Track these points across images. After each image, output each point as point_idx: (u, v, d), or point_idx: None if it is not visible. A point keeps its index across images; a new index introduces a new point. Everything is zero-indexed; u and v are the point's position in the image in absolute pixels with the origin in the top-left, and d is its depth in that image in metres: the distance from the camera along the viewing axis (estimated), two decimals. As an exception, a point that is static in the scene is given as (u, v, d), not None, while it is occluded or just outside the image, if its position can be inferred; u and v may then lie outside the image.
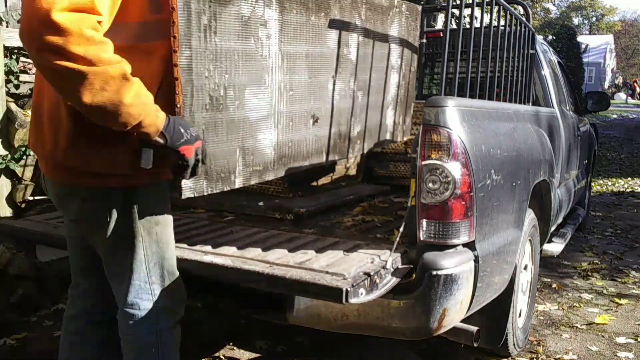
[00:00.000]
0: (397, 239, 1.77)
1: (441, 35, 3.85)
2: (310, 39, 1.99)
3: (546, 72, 3.55)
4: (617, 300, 3.45)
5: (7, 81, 3.49)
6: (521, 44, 2.59)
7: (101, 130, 1.32)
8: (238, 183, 1.79)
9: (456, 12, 4.18)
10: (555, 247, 3.41)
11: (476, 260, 1.82)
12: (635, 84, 37.77)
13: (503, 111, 2.33)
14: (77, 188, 1.48)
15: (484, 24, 2.15)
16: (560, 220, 3.69)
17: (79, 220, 1.57)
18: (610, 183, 8.70)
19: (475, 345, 2.05)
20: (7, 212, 3.26)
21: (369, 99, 2.44)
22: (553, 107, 3.43)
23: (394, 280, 1.68)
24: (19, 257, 3.05)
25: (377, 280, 1.62)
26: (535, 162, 2.45)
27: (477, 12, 2.09)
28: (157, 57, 1.41)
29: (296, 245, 1.89)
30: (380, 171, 3.12)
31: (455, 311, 1.77)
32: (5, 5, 4.00)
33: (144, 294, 1.57)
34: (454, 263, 1.73)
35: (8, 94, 3.43)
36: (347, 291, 1.47)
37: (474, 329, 2.01)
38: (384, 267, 1.67)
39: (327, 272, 1.60)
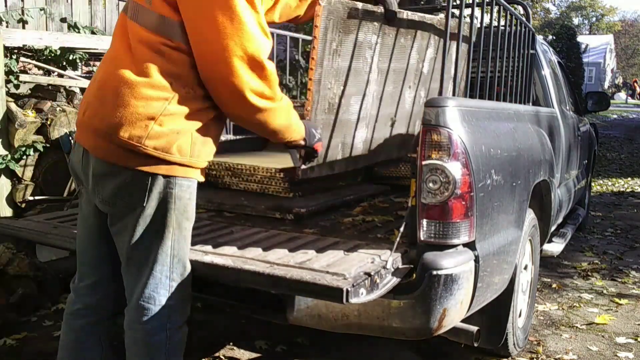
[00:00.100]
0: (398, 239, 1.77)
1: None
2: (397, 57, 2.42)
3: (546, 72, 3.55)
4: (617, 300, 3.46)
5: (7, 81, 3.50)
6: (521, 44, 2.59)
7: (169, 113, 1.47)
8: (337, 169, 2.32)
9: (456, 12, 4.18)
10: (555, 247, 3.41)
11: (476, 260, 1.82)
12: (635, 84, 37.80)
13: (503, 111, 2.34)
14: (122, 168, 1.49)
15: (484, 24, 2.15)
16: (560, 220, 3.69)
17: (114, 202, 1.55)
18: (610, 183, 8.70)
19: (475, 345, 2.05)
20: (7, 212, 3.26)
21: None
22: (553, 107, 3.44)
23: (395, 280, 1.68)
24: (19, 257, 3.05)
25: (378, 280, 1.62)
26: (535, 162, 2.45)
27: (477, 12, 2.09)
28: None
29: (296, 245, 1.89)
30: (380, 171, 3.11)
31: (455, 311, 1.77)
32: (5, 5, 3.99)
33: (162, 288, 1.57)
34: (454, 263, 1.73)
35: (8, 94, 3.43)
36: (347, 291, 1.47)
37: (474, 329, 2.01)
38: (384, 267, 1.67)
39: (327, 272, 1.60)
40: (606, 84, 41.91)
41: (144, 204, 1.52)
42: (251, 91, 1.49)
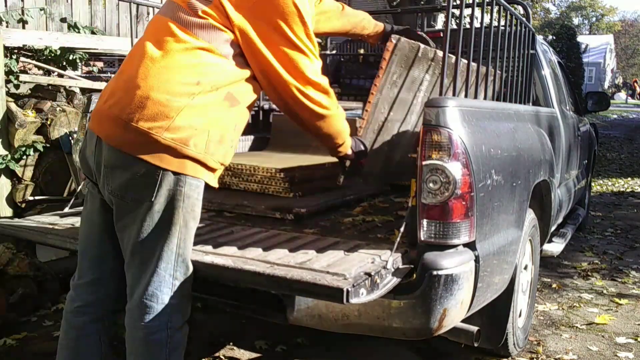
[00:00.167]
0: (398, 239, 1.77)
1: (441, 35, 3.86)
2: (436, 90, 2.60)
3: (546, 72, 3.55)
4: (617, 300, 3.46)
5: (7, 81, 3.50)
6: (521, 44, 2.59)
7: (192, 108, 1.51)
8: (375, 182, 2.65)
9: (456, 12, 4.18)
10: (555, 247, 3.41)
11: (477, 260, 1.82)
12: (635, 84, 37.80)
13: (503, 111, 2.33)
14: (135, 159, 1.50)
15: (484, 24, 2.15)
16: (560, 220, 3.69)
17: (122, 195, 1.55)
18: (610, 183, 8.70)
19: (475, 345, 2.05)
20: (7, 212, 3.27)
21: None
22: (553, 107, 3.44)
23: (395, 280, 1.68)
24: (19, 257, 3.06)
25: (378, 280, 1.62)
26: (535, 162, 2.45)
27: (477, 12, 2.09)
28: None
29: (297, 245, 1.89)
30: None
31: (455, 311, 1.77)
32: (5, 5, 3.99)
33: (165, 287, 1.57)
34: (454, 263, 1.73)
35: (8, 94, 3.43)
36: (347, 291, 1.47)
37: (474, 329, 2.01)
38: (384, 267, 1.67)
39: (327, 272, 1.60)
40: (606, 84, 41.91)
41: (153, 199, 1.52)
42: (311, 101, 1.70)
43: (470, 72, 2.09)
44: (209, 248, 1.86)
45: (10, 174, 3.29)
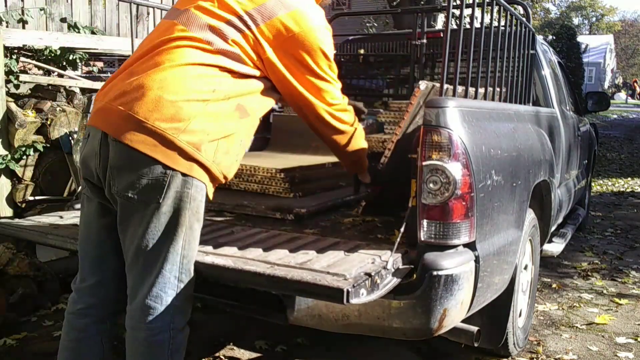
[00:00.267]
0: (398, 239, 1.77)
1: (441, 35, 3.86)
2: None
3: (546, 72, 3.55)
4: (617, 300, 3.46)
5: (7, 81, 3.50)
6: (521, 44, 2.59)
7: (206, 114, 1.55)
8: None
9: (456, 12, 4.18)
10: (555, 247, 3.41)
11: (477, 260, 1.82)
12: (635, 84, 37.80)
13: (503, 111, 2.34)
14: (145, 158, 1.50)
15: (484, 24, 2.15)
16: (560, 220, 3.69)
17: (129, 195, 1.54)
18: (610, 183, 8.70)
19: (475, 345, 2.05)
20: (7, 212, 3.27)
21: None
22: (553, 107, 3.43)
23: (395, 281, 1.68)
24: (19, 257, 3.06)
25: (378, 281, 1.62)
26: (535, 162, 2.45)
27: (477, 12, 2.09)
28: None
29: (297, 245, 1.89)
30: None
31: (455, 311, 1.77)
32: (6, 5, 3.99)
33: (169, 288, 1.58)
34: (454, 263, 1.73)
35: (8, 94, 3.43)
36: (348, 291, 1.47)
37: (474, 329, 2.01)
38: (384, 268, 1.67)
39: (328, 273, 1.60)
40: (606, 84, 41.90)
41: (161, 200, 1.53)
42: (334, 118, 1.86)
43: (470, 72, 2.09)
44: (209, 248, 1.86)
45: (10, 174, 3.29)
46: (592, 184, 6.96)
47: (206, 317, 3.02)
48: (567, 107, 4.02)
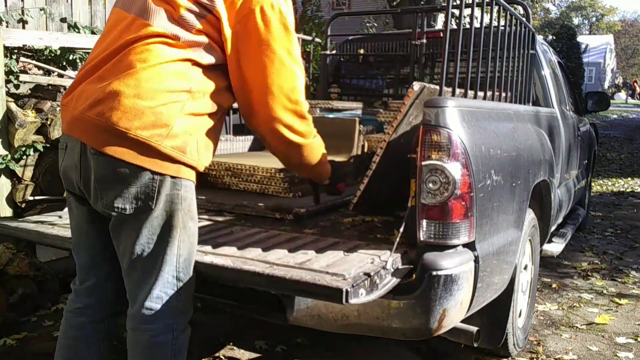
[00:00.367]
0: (397, 239, 1.77)
1: (441, 35, 3.86)
2: None
3: (546, 72, 3.55)
4: (617, 300, 3.46)
5: (7, 81, 3.49)
6: (521, 44, 2.59)
7: (184, 115, 1.51)
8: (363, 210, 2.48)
9: (456, 12, 4.18)
10: (555, 247, 3.41)
11: (476, 260, 1.82)
12: (635, 84, 37.80)
13: (503, 111, 2.33)
14: (131, 167, 1.47)
15: (484, 24, 2.15)
16: (560, 220, 3.69)
17: (119, 207, 1.50)
18: (610, 183, 8.70)
19: (475, 345, 2.05)
20: (7, 212, 3.26)
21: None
22: (553, 107, 3.43)
23: (394, 281, 1.68)
24: (19, 257, 3.05)
25: (377, 281, 1.62)
26: (535, 162, 2.45)
27: (477, 12, 2.09)
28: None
29: (296, 245, 1.89)
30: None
31: (455, 311, 1.77)
32: (5, 5, 3.99)
33: (169, 289, 1.57)
34: (454, 263, 1.73)
35: (8, 94, 3.43)
36: (347, 291, 1.47)
37: (474, 329, 2.01)
38: (384, 268, 1.67)
39: (327, 273, 1.60)
40: (606, 84, 41.89)
41: (153, 207, 1.51)
42: (283, 125, 1.64)
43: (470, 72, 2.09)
44: (208, 248, 1.86)
45: (10, 174, 3.28)
46: (592, 184, 6.96)
47: (206, 317, 3.02)
48: (567, 107, 4.02)
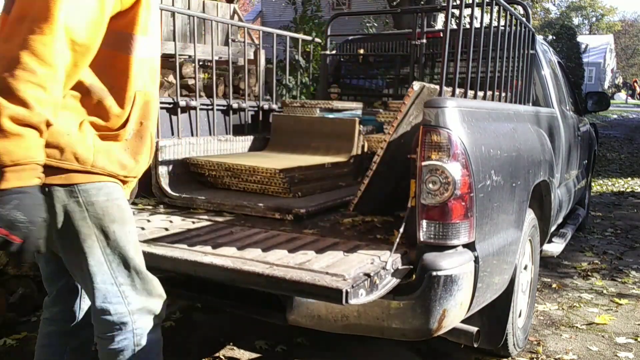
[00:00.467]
0: (397, 239, 1.77)
1: (441, 35, 3.85)
2: None
3: (546, 72, 3.55)
4: (617, 300, 3.45)
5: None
6: (521, 44, 2.59)
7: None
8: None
9: (456, 12, 4.17)
10: (555, 247, 3.41)
11: (476, 260, 1.82)
12: (635, 84, 37.82)
13: (503, 111, 2.33)
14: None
15: (484, 24, 2.15)
16: (560, 220, 3.69)
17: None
18: (610, 183, 8.69)
19: (475, 345, 2.05)
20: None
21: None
22: (553, 107, 3.43)
23: (394, 281, 1.68)
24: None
25: (377, 281, 1.62)
26: (535, 162, 2.45)
27: (477, 12, 2.09)
28: None
29: (296, 245, 1.89)
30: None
31: (455, 312, 1.77)
32: (5, 5, 3.99)
33: (112, 297, 1.50)
34: (454, 264, 1.73)
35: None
36: (347, 292, 1.47)
37: (474, 329, 2.00)
38: (384, 268, 1.67)
39: (327, 273, 1.60)
40: (606, 84, 41.89)
41: (55, 220, 1.41)
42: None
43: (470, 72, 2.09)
44: (208, 248, 1.86)
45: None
46: (592, 184, 6.96)
47: (206, 317, 3.02)
48: (567, 107, 4.02)
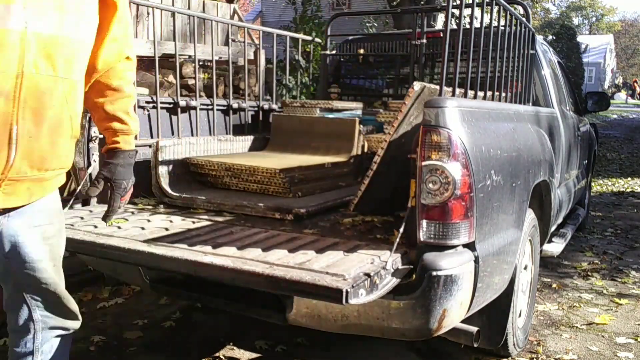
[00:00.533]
0: (397, 239, 1.77)
1: (441, 35, 3.86)
2: None
3: (546, 72, 3.55)
4: (617, 300, 3.46)
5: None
6: (521, 44, 2.59)
7: None
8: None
9: (456, 12, 4.17)
10: (555, 247, 3.41)
11: (476, 260, 1.82)
12: (635, 84, 37.82)
13: (503, 111, 2.33)
14: None
15: (484, 24, 2.15)
16: (560, 220, 3.69)
17: None
18: (610, 183, 8.70)
19: (475, 345, 2.05)
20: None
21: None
22: (553, 107, 3.43)
23: (394, 281, 1.68)
24: (19, 257, 3.05)
25: (377, 281, 1.62)
26: (535, 162, 2.45)
27: (477, 12, 2.09)
28: None
29: (296, 245, 1.89)
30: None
31: (455, 312, 1.77)
32: (5, 5, 3.98)
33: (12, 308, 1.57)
34: (454, 264, 1.73)
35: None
36: (347, 292, 1.47)
37: (474, 329, 2.01)
38: (384, 268, 1.67)
39: (327, 273, 1.60)
40: (606, 84, 41.89)
41: None
42: None
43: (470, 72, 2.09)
44: (208, 248, 1.85)
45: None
46: (592, 184, 6.96)
47: (206, 317, 3.02)
48: (567, 107, 4.02)
